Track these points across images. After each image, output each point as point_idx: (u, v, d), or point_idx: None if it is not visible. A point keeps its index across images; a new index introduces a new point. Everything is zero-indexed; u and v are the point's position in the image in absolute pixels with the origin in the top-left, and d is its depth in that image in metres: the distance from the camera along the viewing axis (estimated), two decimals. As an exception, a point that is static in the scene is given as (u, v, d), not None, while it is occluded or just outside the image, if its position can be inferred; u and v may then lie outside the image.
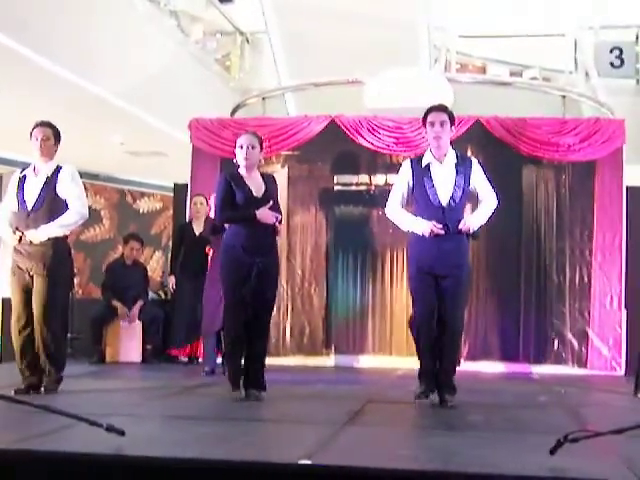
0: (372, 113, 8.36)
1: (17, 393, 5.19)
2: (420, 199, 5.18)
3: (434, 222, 5.03)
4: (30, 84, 7.80)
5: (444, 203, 5.10)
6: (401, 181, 5.30)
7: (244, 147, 5.41)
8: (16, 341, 5.49)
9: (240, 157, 5.41)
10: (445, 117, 5.16)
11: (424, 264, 5.09)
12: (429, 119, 5.19)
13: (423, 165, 5.19)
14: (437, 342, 5.11)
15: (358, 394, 5.81)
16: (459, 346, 5.32)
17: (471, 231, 5.16)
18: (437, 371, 5.13)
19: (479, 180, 5.25)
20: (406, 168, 5.28)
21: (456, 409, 4.96)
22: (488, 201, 5.29)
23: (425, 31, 10.47)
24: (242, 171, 5.43)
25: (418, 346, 5.20)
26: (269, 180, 5.55)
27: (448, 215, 5.08)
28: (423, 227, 5.07)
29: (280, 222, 5.41)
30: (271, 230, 5.38)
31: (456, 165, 5.18)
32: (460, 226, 5.07)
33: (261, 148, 5.50)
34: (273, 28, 10.74)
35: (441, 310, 5.07)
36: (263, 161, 5.89)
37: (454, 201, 5.11)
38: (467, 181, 5.17)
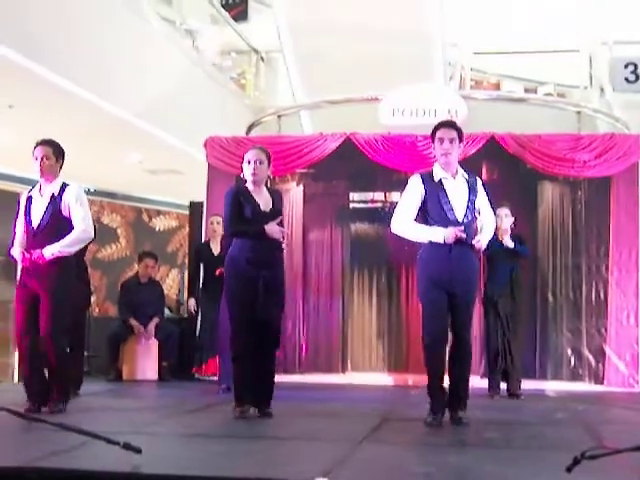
0: (387, 129, 8.37)
1: (28, 411, 5.06)
2: (435, 215, 5.05)
3: (456, 228, 4.90)
4: (47, 104, 7.87)
5: (460, 219, 5.01)
6: (413, 195, 5.12)
7: (252, 162, 5.34)
8: (20, 357, 5.46)
9: (248, 172, 5.34)
10: (454, 134, 5.09)
11: (437, 279, 4.99)
12: (438, 135, 5.11)
13: (436, 180, 5.11)
14: (450, 358, 5.09)
15: (374, 412, 5.78)
16: (470, 362, 5.25)
17: (482, 249, 5.13)
18: (450, 387, 5.10)
19: (483, 199, 5.21)
20: (417, 182, 5.12)
21: (471, 426, 4.92)
22: (489, 220, 5.25)
23: (440, 48, 10.51)
24: (249, 186, 5.36)
25: (427, 364, 5.08)
26: (276, 195, 5.49)
27: (464, 231, 5.01)
28: (445, 233, 4.91)
29: (284, 238, 5.39)
30: (276, 245, 5.35)
31: (467, 181, 5.15)
32: (474, 242, 5.02)
33: (269, 163, 5.41)
34: (288, 46, 10.80)
35: (453, 325, 5.04)
36: (272, 176, 5.82)
37: (467, 217, 5.04)
38: (476, 198, 5.14)
